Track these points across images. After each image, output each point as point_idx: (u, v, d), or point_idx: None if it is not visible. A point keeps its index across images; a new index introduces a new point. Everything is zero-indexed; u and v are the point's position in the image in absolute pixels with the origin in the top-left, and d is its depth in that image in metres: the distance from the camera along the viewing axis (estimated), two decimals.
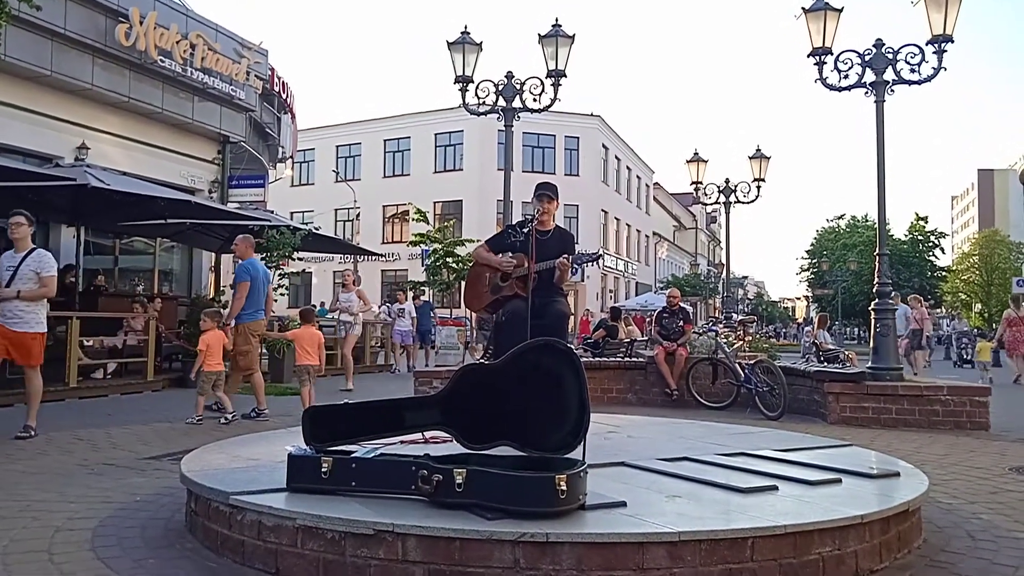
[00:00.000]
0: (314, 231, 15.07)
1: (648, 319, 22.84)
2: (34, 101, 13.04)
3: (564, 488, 2.94)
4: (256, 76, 17.21)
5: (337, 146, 44.67)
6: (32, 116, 13.02)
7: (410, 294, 18.47)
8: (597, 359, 11.58)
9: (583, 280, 38.43)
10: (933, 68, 8.54)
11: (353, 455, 3.38)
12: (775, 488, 3.58)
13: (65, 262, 13.50)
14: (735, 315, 18.34)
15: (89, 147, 13.79)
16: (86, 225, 13.48)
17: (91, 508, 4.15)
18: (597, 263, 5.95)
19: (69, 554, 3.37)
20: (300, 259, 14.06)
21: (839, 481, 3.79)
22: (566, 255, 5.11)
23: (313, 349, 8.22)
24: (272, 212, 16.92)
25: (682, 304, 11.22)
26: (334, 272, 41.43)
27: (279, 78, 19.73)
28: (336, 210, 41.44)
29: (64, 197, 11.53)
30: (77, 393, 10.06)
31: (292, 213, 35.84)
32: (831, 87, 8.95)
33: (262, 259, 12.52)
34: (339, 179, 41.04)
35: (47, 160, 13.22)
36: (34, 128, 13.07)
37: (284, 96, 20.54)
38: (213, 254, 16.81)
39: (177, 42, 14.69)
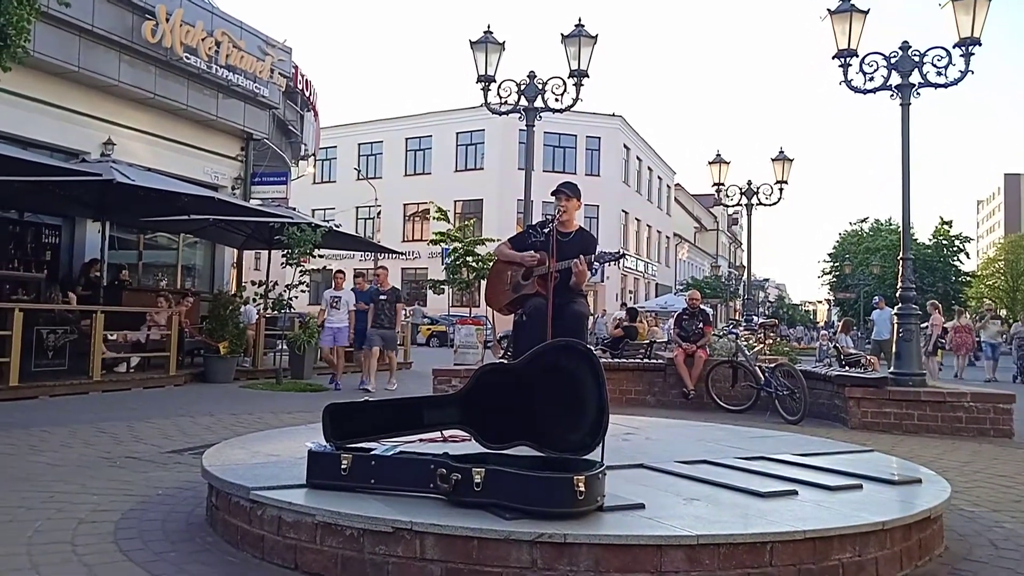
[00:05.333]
0: (334, 228, 15.14)
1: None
2: (62, 97, 13.21)
3: (582, 489, 2.94)
4: (280, 74, 17.34)
5: (359, 144, 44.88)
6: (59, 112, 13.20)
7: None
8: (616, 360, 11.55)
9: (603, 281, 38.36)
10: (960, 71, 8.43)
11: (372, 452, 3.39)
12: (795, 493, 3.56)
13: (90, 256, 13.71)
14: (756, 318, 18.20)
15: (115, 143, 13.96)
16: (111, 220, 13.64)
17: (113, 501, 4.19)
18: (618, 263, 5.93)
19: (91, 545, 3.40)
20: (321, 256, 14.13)
21: (860, 487, 3.76)
22: (584, 255, 5.08)
23: None
24: (294, 209, 17.04)
25: (702, 306, 11.17)
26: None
27: (302, 76, 19.85)
28: (357, 208, 41.61)
29: (90, 192, 11.70)
30: (100, 386, 10.18)
31: (314, 210, 36.01)
32: (856, 89, 8.87)
33: (283, 256, 12.64)
34: (361, 177, 41.22)
35: (74, 155, 13.40)
36: (61, 124, 13.25)
37: (307, 94, 20.67)
38: (235, 250, 16.96)
39: (202, 39, 14.84)
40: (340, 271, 12.95)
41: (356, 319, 12.06)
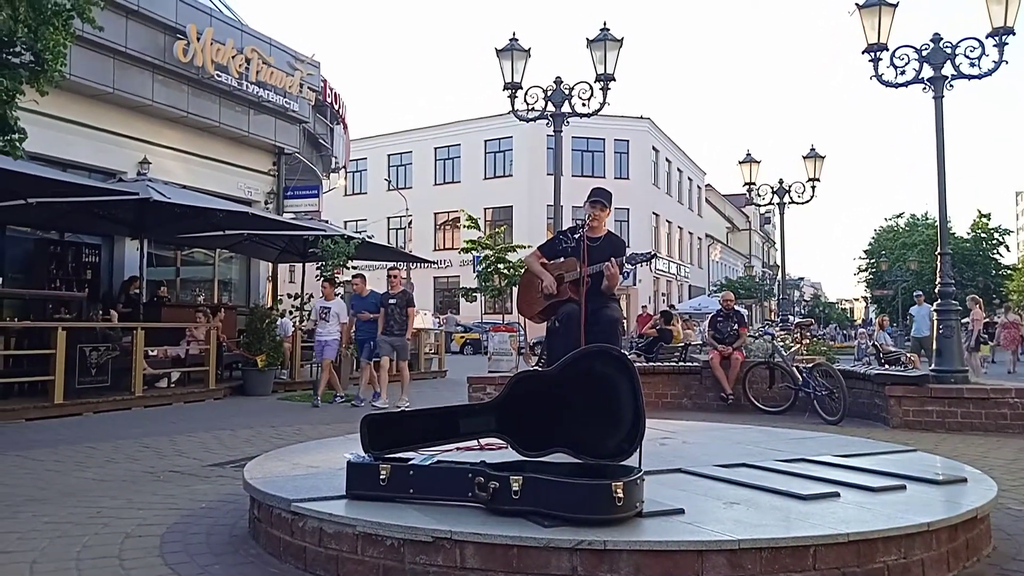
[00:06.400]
0: (367, 240, 15.25)
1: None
2: (98, 118, 13.49)
3: (621, 495, 2.93)
4: (309, 88, 17.54)
5: (389, 155, 45.17)
6: (96, 133, 13.48)
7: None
8: (651, 364, 11.49)
9: (635, 284, 38.17)
10: (994, 62, 8.27)
11: (410, 462, 3.41)
12: (837, 495, 3.51)
13: (129, 274, 13.96)
14: (791, 317, 18.00)
15: (150, 162, 14.22)
16: (149, 237, 13.87)
17: (158, 515, 4.26)
18: (650, 264, 5.90)
19: (138, 560, 3.47)
20: (354, 267, 14.26)
21: (903, 487, 3.70)
22: (615, 258, 5.09)
23: None
24: (326, 221, 17.21)
25: (736, 307, 11.07)
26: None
27: (331, 89, 20.06)
28: (389, 218, 41.89)
29: (128, 211, 11.91)
30: (142, 402, 10.35)
31: (346, 222, 36.28)
32: (887, 84, 8.73)
33: (317, 268, 12.75)
34: (391, 187, 41.50)
35: (111, 175, 13.67)
36: (98, 144, 13.53)
37: (336, 107, 20.88)
38: (270, 264, 17.17)
39: (233, 57, 15.07)
40: (327, 281, 11.62)
41: (361, 328, 11.04)
